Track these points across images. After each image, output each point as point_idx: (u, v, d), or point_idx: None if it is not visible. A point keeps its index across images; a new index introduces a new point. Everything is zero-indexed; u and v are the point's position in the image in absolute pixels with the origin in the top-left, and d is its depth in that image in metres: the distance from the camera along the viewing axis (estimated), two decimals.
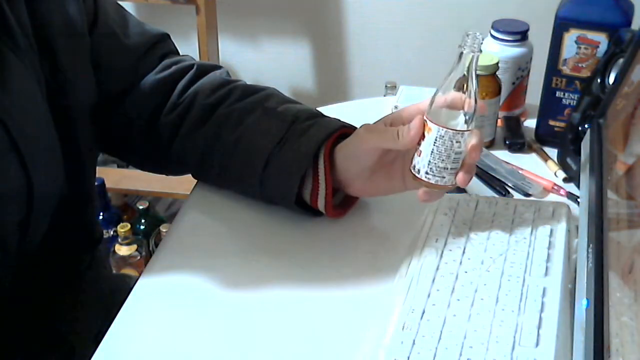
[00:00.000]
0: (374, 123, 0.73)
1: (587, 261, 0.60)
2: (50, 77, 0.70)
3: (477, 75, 0.65)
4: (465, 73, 0.64)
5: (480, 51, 0.63)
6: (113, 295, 0.82)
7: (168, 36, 0.86)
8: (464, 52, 0.63)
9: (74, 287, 0.83)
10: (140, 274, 0.73)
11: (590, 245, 0.62)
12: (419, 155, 0.67)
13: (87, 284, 0.84)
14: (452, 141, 0.65)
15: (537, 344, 0.58)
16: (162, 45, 0.84)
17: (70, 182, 0.75)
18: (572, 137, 0.87)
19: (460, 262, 0.68)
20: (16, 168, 0.65)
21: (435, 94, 0.66)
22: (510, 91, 0.99)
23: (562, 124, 0.93)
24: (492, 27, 0.98)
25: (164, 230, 1.67)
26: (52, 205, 0.71)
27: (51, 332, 0.78)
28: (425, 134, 0.66)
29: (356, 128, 0.75)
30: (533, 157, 0.93)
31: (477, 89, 0.65)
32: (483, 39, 0.63)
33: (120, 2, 0.83)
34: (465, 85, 0.64)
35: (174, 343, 0.64)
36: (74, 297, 0.82)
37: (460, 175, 0.67)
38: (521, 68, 0.98)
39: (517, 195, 0.85)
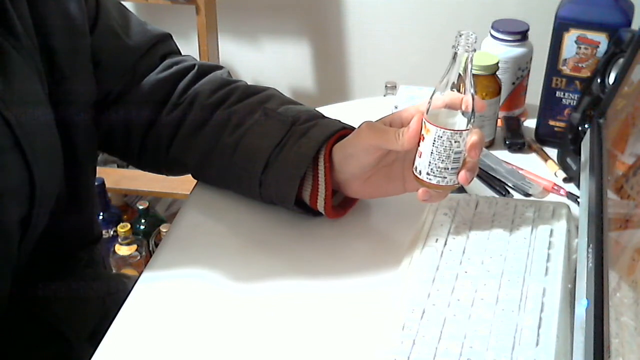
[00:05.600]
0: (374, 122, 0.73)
1: (587, 261, 0.60)
2: (50, 76, 0.70)
3: (473, 75, 0.65)
4: (461, 73, 0.64)
5: (475, 50, 0.63)
6: (112, 294, 0.82)
7: (170, 36, 0.86)
8: (458, 52, 0.63)
9: (72, 285, 0.83)
10: (140, 274, 0.73)
11: (590, 245, 0.62)
12: (420, 157, 0.67)
13: (85, 282, 0.84)
14: (450, 141, 0.65)
15: (537, 344, 0.58)
16: (163, 45, 0.84)
17: (69, 181, 0.75)
18: (572, 137, 0.87)
19: (460, 262, 0.68)
20: (19, 164, 0.65)
21: (432, 95, 0.66)
22: (510, 91, 0.99)
23: (562, 124, 0.93)
24: (492, 27, 0.98)
25: (164, 230, 1.67)
26: (52, 202, 0.72)
27: (48, 329, 0.78)
28: (425, 135, 0.66)
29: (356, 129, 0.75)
30: (533, 157, 0.93)
31: (474, 88, 0.65)
32: (476, 38, 0.63)
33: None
34: (462, 85, 0.64)
35: (174, 343, 0.64)
36: (72, 295, 0.82)
37: (462, 173, 0.67)
38: (521, 68, 0.98)
39: (517, 195, 0.85)
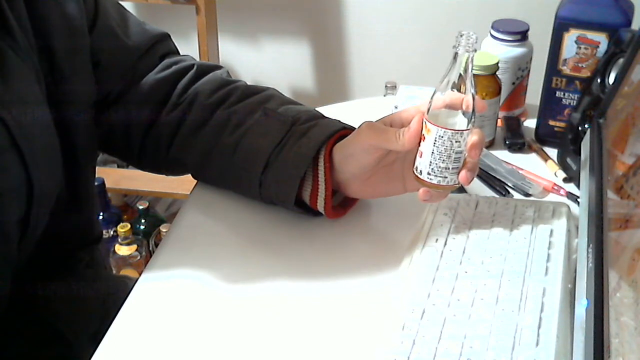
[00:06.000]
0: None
1: (587, 261, 0.60)
2: (49, 76, 0.70)
3: (474, 75, 0.65)
4: (462, 73, 0.64)
5: (475, 50, 0.63)
6: (112, 295, 0.82)
7: (168, 36, 0.86)
8: (459, 52, 0.63)
9: (73, 286, 0.83)
10: (140, 274, 0.73)
11: (590, 245, 0.62)
12: (421, 157, 0.67)
13: (86, 283, 0.85)
14: (451, 141, 0.65)
15: (537, 344, 0.58)
16: (162, 45, 0.84)
17: (69, 181, 0.75)
18: (572, 137, 0.87)
19: (460, 262, 0.68)
20: (16, 165, 0.65)
21: (433, 95, 0.66)
22: (510, 91, 0.99)
23: (562, 124, 0.93)
24: (492, 27, 0.98)
25: (164, 230, 1.67)
26: (51, 203, 0.72)
27: (49, 330, 0.78)
28: (425, 135, 0.66)
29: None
30: (533, 157, 0.93)
31: (475, 88, 0.65)
32: (477, 38, 0.63)
33: (120, 2, 0.83)
34: (462, 85, 0.64)
35: (174, 343, 0.64)
36: (73, 295, 0.82)
37: (463, 173, 0.67)
38: (521, 68, 0.98)
39: (517, 195, 0.85)
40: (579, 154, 0.80)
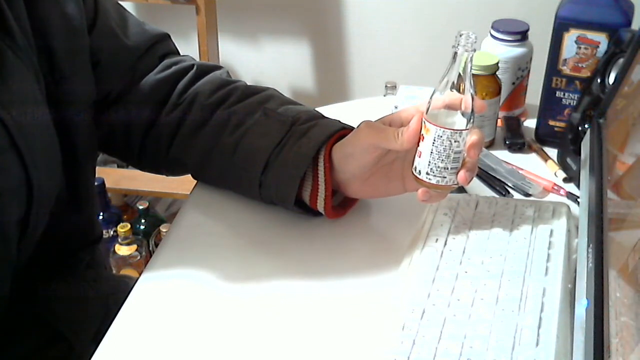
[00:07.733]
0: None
1: (587, 261, 0.60)
2: (49, 76, 0.70)
3: (473, 75, 0.65)
4: (461, 73, 0.64)
5: (474, 50, 0.63)
6: (112, 295, 0.82)
7: (168, 36, 0.86)
8: (458, 52, 0.63)
9: (73, 286, 0.83)
10: (140, 274, 0.73)
11: (590, 245, 0.62)
12: (419, 157, 0.67)
13: (87, 283, 0.85)
14: (450, 141, 0.65)
15: (537, 344, 0.58)
16: (162, 45, 0.84)
17: (69, 181, 0.75)
18: (572, 137, 0.87)
19: (460, 262, 0.68)
20: (16, 166, 0.65)
21: (432, 95, 0.66)
22: (510, 91, 0.99)
23: (562, 124, 0.93)
24: (492, 27, 0.98)
25: (164, 230, 1.67)
26: (51, 203, 0.72)
27: (50, 331, 0.78)
28: (424, 134, 0.66)
29: None
30: (533, 157, 0.93)
31: (474, 88, 0.65)
32: (476, 38, 0.63)
33: (120, 2, 0.83)
34: (461, 85, 0.64)
35: (174, 343, 0.64)
36: (73, 296, 0.82)
37: (462, 173, 0.67)
38: (521, 68, 0.98)
39: (517, 195, 0.85)
40: (579, 154, 0.80)
